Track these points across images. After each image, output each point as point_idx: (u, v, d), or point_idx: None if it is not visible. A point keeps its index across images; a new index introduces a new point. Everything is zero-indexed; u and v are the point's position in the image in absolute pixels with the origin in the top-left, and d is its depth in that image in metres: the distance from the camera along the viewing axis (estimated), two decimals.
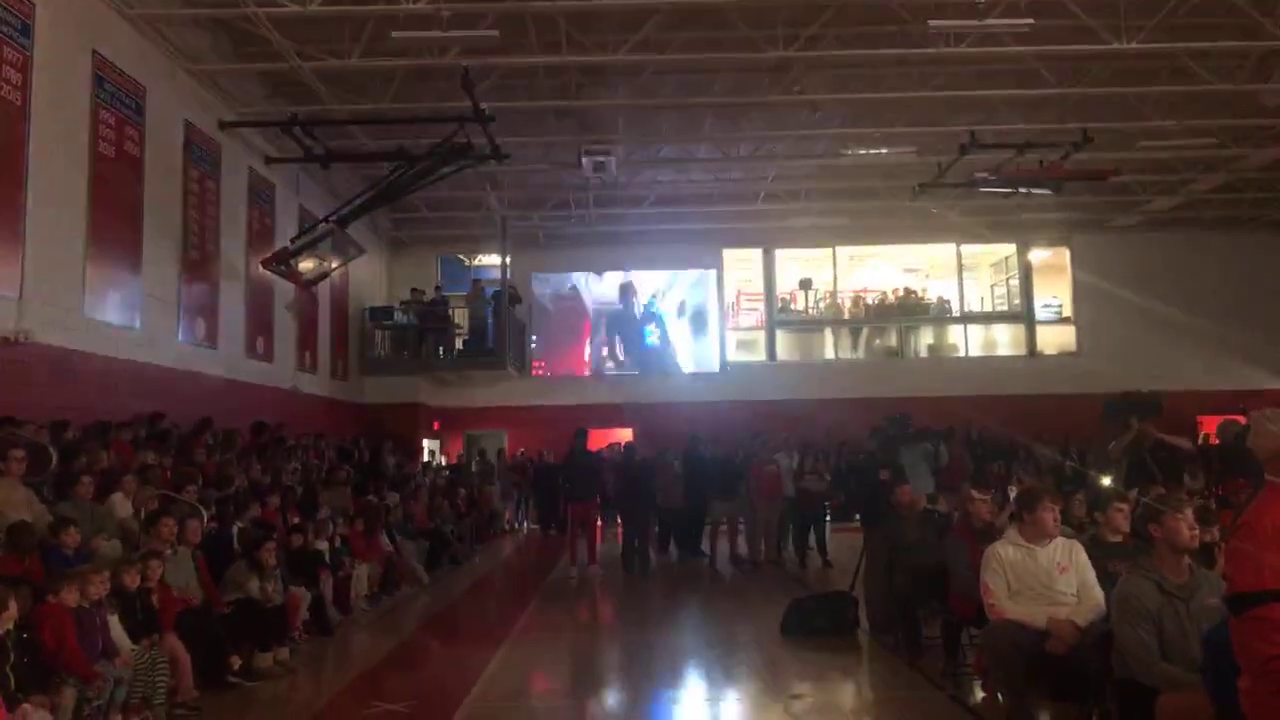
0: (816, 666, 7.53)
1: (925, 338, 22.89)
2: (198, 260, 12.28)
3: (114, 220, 10.31)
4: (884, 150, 16.17)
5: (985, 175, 15.41)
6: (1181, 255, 21.23)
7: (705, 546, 13.90)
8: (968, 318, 22.66)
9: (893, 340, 22.70)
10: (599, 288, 22.33)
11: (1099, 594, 5.01)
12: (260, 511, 9.38)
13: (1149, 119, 14.74)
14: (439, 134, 13.13)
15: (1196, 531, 4.41)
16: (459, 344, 19.66)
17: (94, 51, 10.00)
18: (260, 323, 14.21)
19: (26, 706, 4.95)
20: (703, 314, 22.12)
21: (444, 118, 12.87)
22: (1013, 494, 8.48)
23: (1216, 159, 17.11)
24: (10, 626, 5.05)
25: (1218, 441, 11.30)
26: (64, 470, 7.43)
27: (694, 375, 21.70)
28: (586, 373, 22.05)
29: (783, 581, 11.72)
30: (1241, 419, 10.23)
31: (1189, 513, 4.35)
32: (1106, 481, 8.98)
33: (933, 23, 11.46)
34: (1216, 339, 20.74)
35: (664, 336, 22.10)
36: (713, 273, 22.13)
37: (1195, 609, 4.14)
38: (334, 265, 14.68)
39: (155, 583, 6.47)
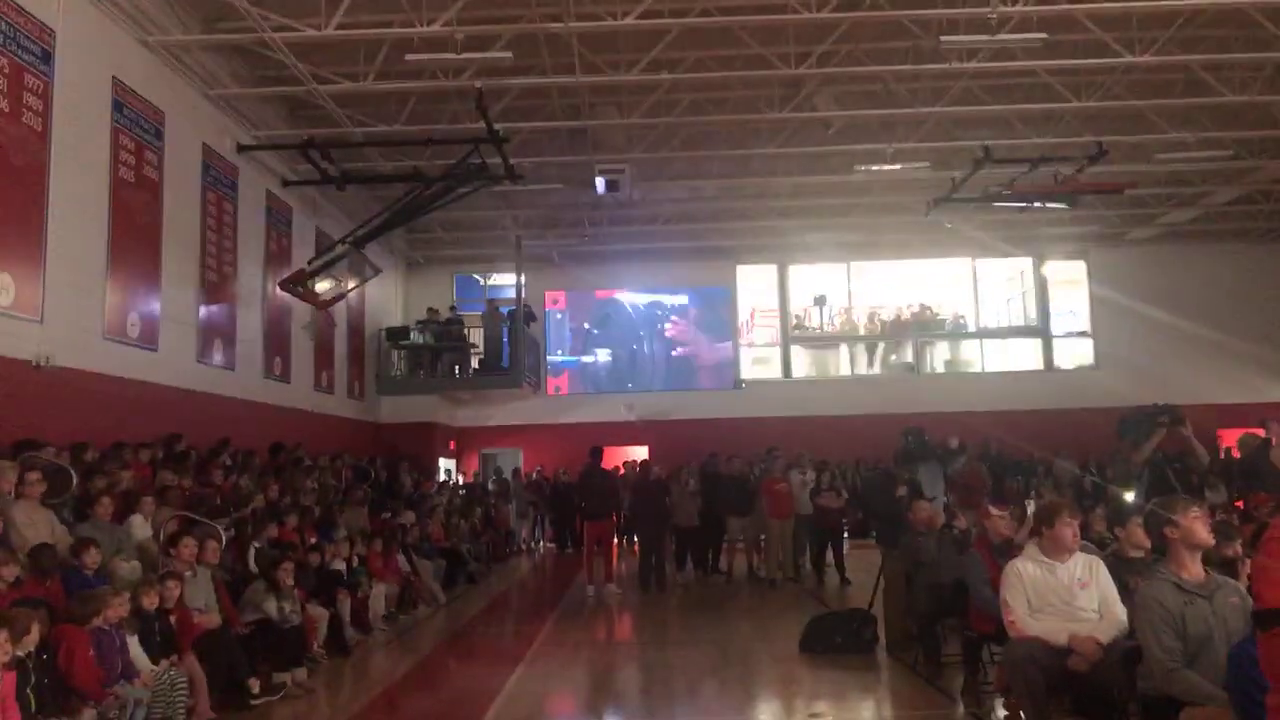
0: (835, 684, 7.47)
1: (942, 353, 22.79)
2: (216, 282, 12.39)
3: (133, 243, 10.42)
4: (897, 166, 16.17)
5: (999, 190, 15.37)
6: (1199, 268, 21.10)
7: (723, 564, 13.88)
8: (984, 333, 22.57)
9: (909, 356, 22.61)
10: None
11: (1121, 610, 4.93)
12: (278, 532, 9.43)
13: (1164, 132, 14.68)
14: (454, 155, 13.26)
15: (1211, 528, 4.34)
16: (474, 363, 19.73)
17: (113, 78, 10.14)
18: (278, 344, 14.31)
19: None
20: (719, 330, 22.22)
21: (459, 139, 13.03)
22: (1030, 509, 8.40)
23: (1232, 171, 17.04)
24: (31, 649, 5.08)
25: (1239, 455, 11.18)
26: (83, 492, 7.49)
27: (709, 392, 21.69)
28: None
29: (801, 599, 11.66)
30: (1261, 432, 10.13)
31: (1197, 510, 4.29)
32: (1128, 496, 8.88)
33: (945, 39, 11.46)
34: (1235, 352, 20.56)
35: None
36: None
37: (1219, 606, 4.06)
38: (350, 286, 14.77)
39: (174, 603, 6.51)
